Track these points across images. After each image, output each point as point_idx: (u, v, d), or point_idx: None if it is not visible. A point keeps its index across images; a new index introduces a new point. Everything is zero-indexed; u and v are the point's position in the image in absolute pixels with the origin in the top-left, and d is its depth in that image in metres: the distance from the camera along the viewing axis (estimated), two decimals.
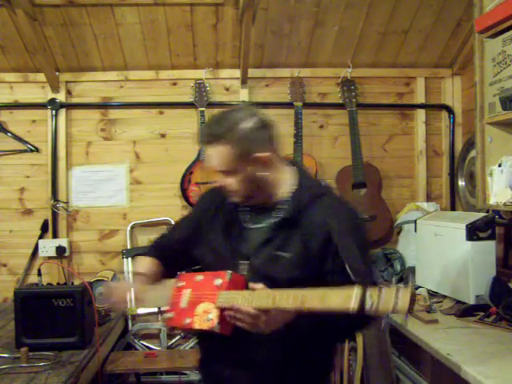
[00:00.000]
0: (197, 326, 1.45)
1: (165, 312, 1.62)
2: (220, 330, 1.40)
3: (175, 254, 1.68)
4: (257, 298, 1.30)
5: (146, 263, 1.67)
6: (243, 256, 1.48)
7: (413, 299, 1.06)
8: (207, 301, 1.45)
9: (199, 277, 1.54)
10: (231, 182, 1.45)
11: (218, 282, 1.43)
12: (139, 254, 1.81)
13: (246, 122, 1.42)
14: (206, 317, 1.43)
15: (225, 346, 1.47)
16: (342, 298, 1.13)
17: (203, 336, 1.62)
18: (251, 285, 1.32)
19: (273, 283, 1.35)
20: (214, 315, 1.41)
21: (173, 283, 1.64)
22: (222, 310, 1.39)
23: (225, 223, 1.55)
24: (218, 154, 1.41)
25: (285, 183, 1.51)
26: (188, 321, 1.48)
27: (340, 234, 1.39)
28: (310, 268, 1.42)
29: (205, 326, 1.42)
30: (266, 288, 1.31)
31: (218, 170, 1.44)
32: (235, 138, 1.40)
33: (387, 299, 1.07)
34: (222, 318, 1.39)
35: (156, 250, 1.73)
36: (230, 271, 1.43)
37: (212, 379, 1.59)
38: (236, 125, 1.41)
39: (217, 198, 1.59)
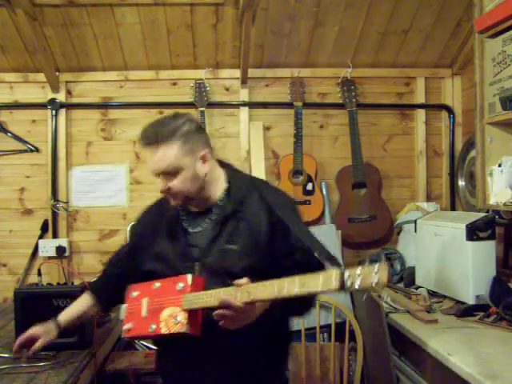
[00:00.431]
0: (164, 331, 1.48)
1: (122, 324, 1.63)
2: (190, 331, 1.43)
3: (125, 278, 1.71)
4: (227, 294, 1.34)
5: (72, 307, 1.83)
6: (194, 258, 1.54)
7: (389, 274, 1.12)
8: (172, 305, 1.48)
9: (156, 284, 1.56)
10: (177, 182, 1.53)
11: (180, 286, 1.47)
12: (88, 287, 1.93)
13: (187, 125, 1.56)
14: (173, 320, 1.46)
15: (190, 347, 1.52)
16: (322, 281, 1.18)
17: (165, 341, 1.62)
18: (236, 282, 1.33)
19: (229, 276, 1.44)
20: (181, 317, 1.44)
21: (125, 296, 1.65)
22: (189, 311, 1.44)
23: (169, 233, 1.63)
24: (166, 153, 1.50)
25: (219, 182, 1.63)
26: (153, 327, 1.51)
27: (286, 218, 1.50)
28: (260, 256, 1.51)
29: (174, 329, 1.45)
30: (249, 282, 1.33)
31: (166, 170, 1.52)
32: (181, 136, 1.52)
33: (365, 276, 1.12)
34: (191, 319, 1.43)
35: (103, 281, 1.86)
36: (190, 274, 1.47)
37: (179, 381, 1.62)
38: (180, 126, 1.54)
39: (154, 214, 1.73)
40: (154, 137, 1.51)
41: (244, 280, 1.34)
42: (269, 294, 1.28)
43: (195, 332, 1.45)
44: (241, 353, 1.52)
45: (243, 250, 1.52)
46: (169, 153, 1.50)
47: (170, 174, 1.53)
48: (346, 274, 1.15)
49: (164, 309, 1.51)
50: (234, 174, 1.67)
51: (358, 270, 1.13)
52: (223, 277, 1.48)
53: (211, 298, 1.38)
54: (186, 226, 1.63)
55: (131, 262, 1.72)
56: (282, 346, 1.68)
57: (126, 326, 1.57)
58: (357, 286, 1.13)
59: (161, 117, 1.61)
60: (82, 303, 1.82)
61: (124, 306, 1.62)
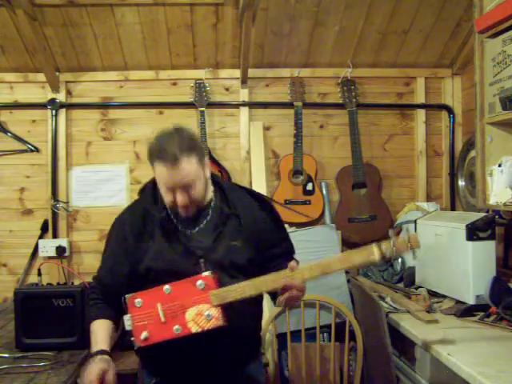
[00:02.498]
0: (196, 329, 1.55)
1: (132, 336, 1.59)
2: (225, 324, 1.55)
3: (121, 290, 1.66)
4: (264, 284, 1.54)
5: (103, 334, 1.65)
6: (197, 256, 1.66)
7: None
8: (196, 304, 1.57)
9: (167, 288, 1.59)
10: (195, 192, 1.63)
11: (202, 285, 1.56)
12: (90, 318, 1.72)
13: (195, 136, 1.71)
14: (203, 318, 1.55)
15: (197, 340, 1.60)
16: (365, 255, 1.51)
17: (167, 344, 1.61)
18: (291, 265, 1.53)
19: (234, 269, 1.66)
20: (213, 313, 1.55)
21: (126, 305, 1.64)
22: (219, 306, 1.55)
23: (163, 234, 1.68)
24: (187, 168, 1.59)
25: (209, 185, 1.75)
26: (179, 329, 1.56)
27: (273, 214, 1.81)
28: (258, 248, 1.71)
29: (209, 326, 1.55)
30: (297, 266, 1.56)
31: (187, 183, 1.60)
32: (197, 149, 1.63)
33: (400, 245, 1.49)
34: (222, 313, 1.55)
35: (104, 301, 1.72)
36: (208, 272, 1.58)
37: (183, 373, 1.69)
38: (193, 139, 1.66)
39: (139, 217, 1.73)
40: (174, 154, 1.56)
41: (295, 263, 1.55)
42: (320, 272, 1.52)
43: (226, 323, 1.57)
44: (235, 335, 1.65)
45: (244, 244, 1.69)
46: (189, 167, 1.58)
47: (187, 186, 1.61)
48: (383, 246, 1.48)
49: (187, 309, 1.57)
50: (218, 180, 1.82)
51: (392, 243, 1.48)
52: (228, 270, 1.66)
53: (245, 288, 1.54)
54: (181, 228, 1.71)
55: (125, 269, 1.70)
56: (260, 326, 1.88)
57: (142, 337, 1.57)
58: (394, 255, 1.47)
59: (166, 132, 1.66)
60: (105, 327, 1.68)
61: (127, 317, 1.60)
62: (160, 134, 1.66)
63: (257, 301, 1.75)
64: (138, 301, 1.61)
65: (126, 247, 1.71)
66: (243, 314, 1.64)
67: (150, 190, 1.78)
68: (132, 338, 1.59)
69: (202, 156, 1.64)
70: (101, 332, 1.66)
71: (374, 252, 1.49)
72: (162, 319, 1.58)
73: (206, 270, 1.60)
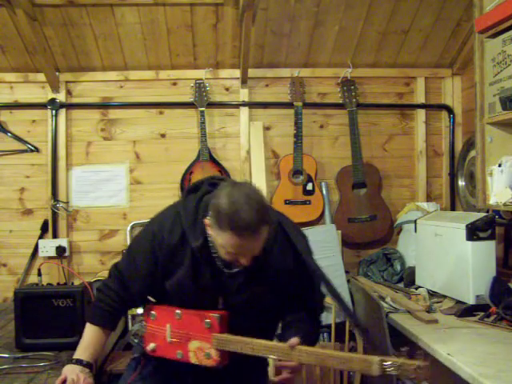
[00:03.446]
0: (194, 361, 1.60)
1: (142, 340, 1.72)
2: (221, 365, 1.57)
3: (135, 297, 1.71)
4: (262, 349, 1.50)
5: (96, 345, 1.67)
6: (221, 294, 1.61)
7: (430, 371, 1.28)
8: (200, 339, 1.60)
9: (177, 312, 1.64)
10: (259, 253, 1.52)
11: (208, 323, 1.58)
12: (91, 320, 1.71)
13: (266, 200, 1.55)
14: (203, 354, 1.58)
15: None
16: (364, 365, 1.35)
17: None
18: (291, 343, 1.45)
19: (253, 313, 1.61)
20: (213, 354, 1.57)
21: (143, 311, 1.73)
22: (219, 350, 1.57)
23: (194, 265, 1.59)
24: (264, 236, 1.49)
25: None
26: (181, 353, 1.62)
27: (309, 261, 1.60)
28: (281, 296, 1.64)
29: (206, 363, 1.58)
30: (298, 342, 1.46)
31: (260, 250, 1.51)
32: (270, 213, 1.51)
33: (406, 368, 1.28)
34: (222, 356, 1.57)
35: (112, 305, 1.69)
36: (217, 314, 1.57)
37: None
38: (266, 204, 1.53)
39: (178, 240, 1.61)
40: (253, 227, 1.43)
41: (295, 340, 1.45)
42: (314, 360, 1.46)
43: (224, 363, 1.59)
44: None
45: (270, 290, 1.62)
46: (263, 238, 1.49)
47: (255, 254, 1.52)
48: (388, 363, 1.30)
49: (191, 340, 1.62)
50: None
51: (399, 362, 1.29)
52: (245, 313, 1.61)
53: (245, 346, 1.51)
54: (219, 265, 1.59)
55: (148, 284, 1.68)
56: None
57: (150, 347, 1.66)
58: (394, 373, 1.30)
59: (241, 194, 1.46)
60: (101, 337, 1.68)
61: (143, 324, 1.71)
62: (234, 195, 1.46)
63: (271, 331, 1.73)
64: (152, 313, 1.69)
65: (154, 270, 1.64)
66: (250, 358, 1.56)
67: (192, 208, 1.61)
68: (141, 344, 1.70)
69: (272, 222, 1.52)
70: (95, 342, 1.67)
71: (373, 369, 1.33)
72: (168, 340, 1.65)
73: (220, 309, 1.60)
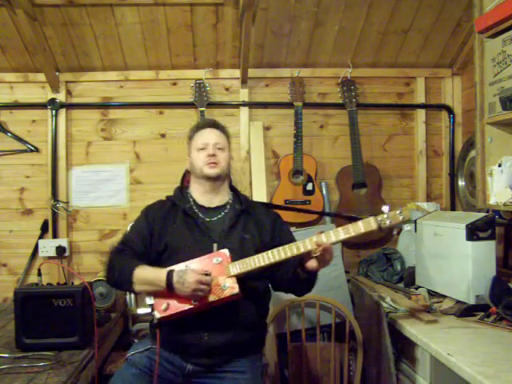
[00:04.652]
0: (213, 298, 1.75)
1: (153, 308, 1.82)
2: (240, 292, 1.75)
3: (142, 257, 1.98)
4: (267, 256, 1.80)
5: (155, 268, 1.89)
6: (212, 239, 1.93)
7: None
8: (214, 276, 1.76)
9: (185, 265, 1.81)
10: (223, 156, 2.05)
11: (218, 260, 1.80)
12: (125, 272, 1.91)
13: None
14: (220, 288, 1.75)
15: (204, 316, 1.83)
16: (364, 225, 1.78)
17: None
18: (318, 232, 1.81)
19: (244, 258, 1.83)
20: (230, 283, 1.76)
21: None
22: (235, 277, 1.77)
23: (185, 220, 1.99)
24: (222, 135, 2.10)
25: (227, 186, 2.11)
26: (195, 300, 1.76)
27: (277, 218, 2.10)
28: (263, 244, 1.97)
29: (224, 295, 1.74)
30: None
31: (220, 143, 2.06)
32: (227, 131, 2.18)
33: (393, 216, 1.78)
34: (237, 282, 1.76)
35: (134, 256, 1.97)
36: (225, 249, 1.83)
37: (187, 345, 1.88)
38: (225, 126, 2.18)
39: (168, 206, 2.06)
40: (216, 124, 2.13)
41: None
42: (337, 237, 1.78)
43: (241, 294, 1.76)
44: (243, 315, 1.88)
45: (252, 239, 1.98)
46: (222, 135, 2.10)
47: (219, 147, 2.04)
48: (379, 218, 1.77)
49: None
50: (234, 186, 2.17)
51: (385, 214, 1.78)
52: (238, 257, 1.85)
53: (260, 259, 1.80)
54: (202, 216, 2.01)
55: (148, 240, 1.98)
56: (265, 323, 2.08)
57: (163, 306, 1.79)
58: (388, 223, 1.76)
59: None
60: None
61: (150, 296, 1.84)
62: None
63: (266, 296, 2.04)
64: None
65: (152, 227, 2.00)
66: (252, 301, 1.91)
67: (177, 189, 2.16)
68: (153, 312, 1.79)
69: (229, 139, 2.14)
70: (152, 268, 1.86)
71: (370, 222, 1.77)
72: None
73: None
